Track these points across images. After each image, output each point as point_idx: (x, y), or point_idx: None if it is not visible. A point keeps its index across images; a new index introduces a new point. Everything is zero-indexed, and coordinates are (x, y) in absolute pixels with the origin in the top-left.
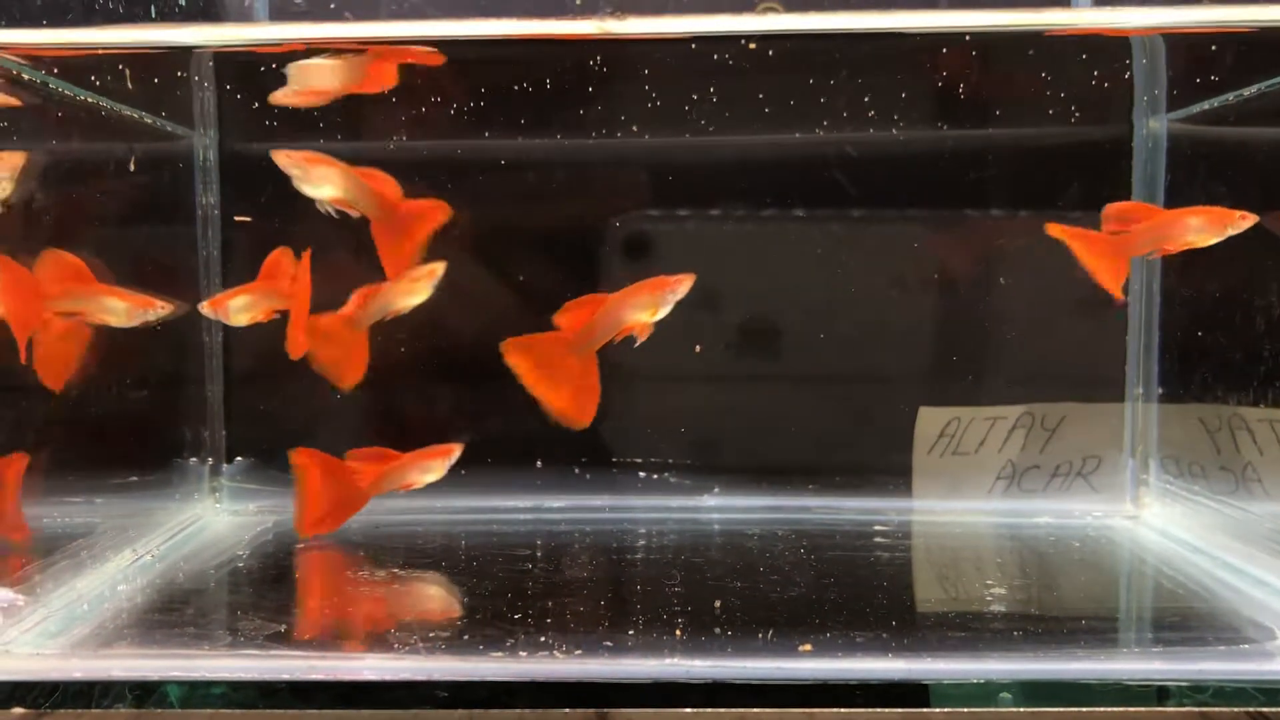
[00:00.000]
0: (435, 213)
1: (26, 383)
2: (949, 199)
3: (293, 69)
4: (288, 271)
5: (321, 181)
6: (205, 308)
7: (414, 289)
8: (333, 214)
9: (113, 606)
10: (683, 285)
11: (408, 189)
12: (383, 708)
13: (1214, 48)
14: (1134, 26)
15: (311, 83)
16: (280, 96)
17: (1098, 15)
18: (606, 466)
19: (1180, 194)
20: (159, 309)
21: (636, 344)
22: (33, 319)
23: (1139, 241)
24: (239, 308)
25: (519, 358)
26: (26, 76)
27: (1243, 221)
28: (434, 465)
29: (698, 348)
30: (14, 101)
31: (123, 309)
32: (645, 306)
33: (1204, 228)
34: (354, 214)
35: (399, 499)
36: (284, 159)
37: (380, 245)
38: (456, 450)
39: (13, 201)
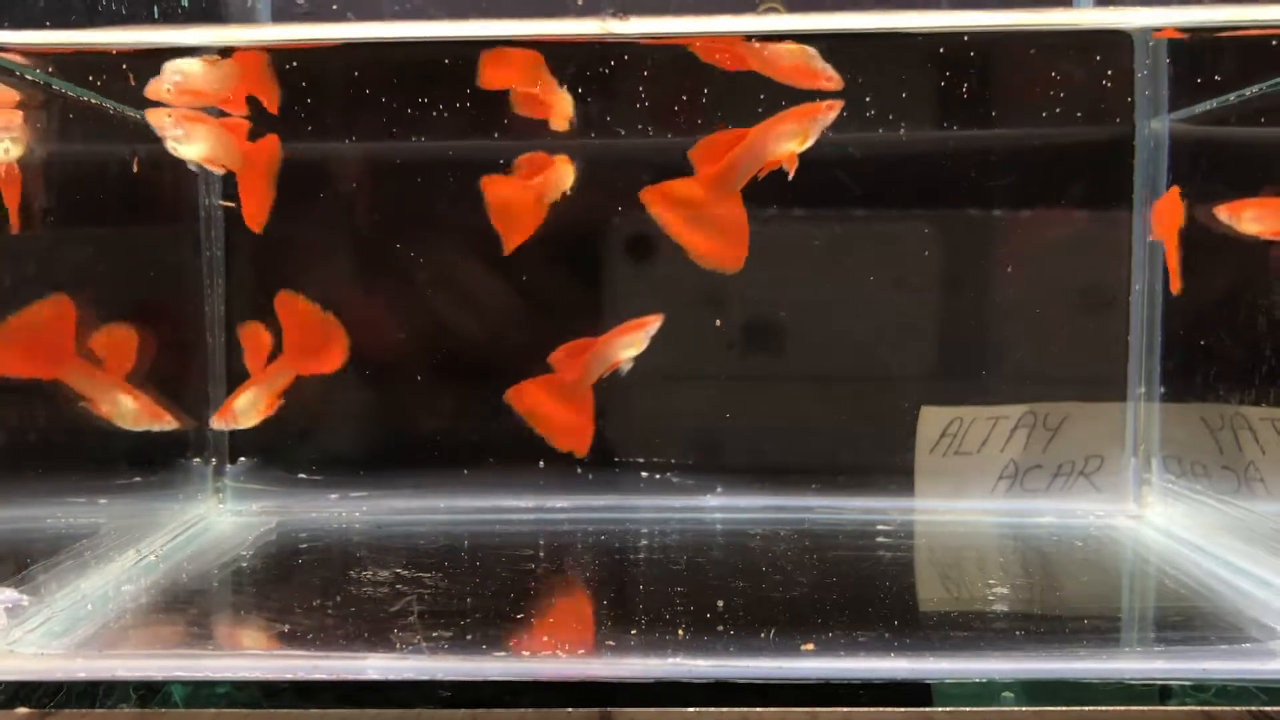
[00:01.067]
0: (269, 145)
1: (30, 384)
2: (951, 199)
3: (169, 67)
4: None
5: (198, 140)
6: (216, 421)
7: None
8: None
9: (116, 606)
10: (833, 110)
11: (411, 190)
12: (386, 707)
13: (1215, 48)
14: (1135, 26)
15: (189, 84)
16: (155, 91)
17: (1099, 14)
18: (609, 466)
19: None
20: (166, 422)
21: (790, 177)
22: (52, 367)
23: None
24: (245, 408)
25: (660, 207)
26: (30, 77)
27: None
28: (634, 340)
29: (718, 322)
30: (16, 99)
31: (131, 412)
32: (792, 136)
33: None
34: (219, 170)
35: (400, 499)
36: (160, 119)
37: (243, 192)
38: (654, 322)
39: (26, 160)
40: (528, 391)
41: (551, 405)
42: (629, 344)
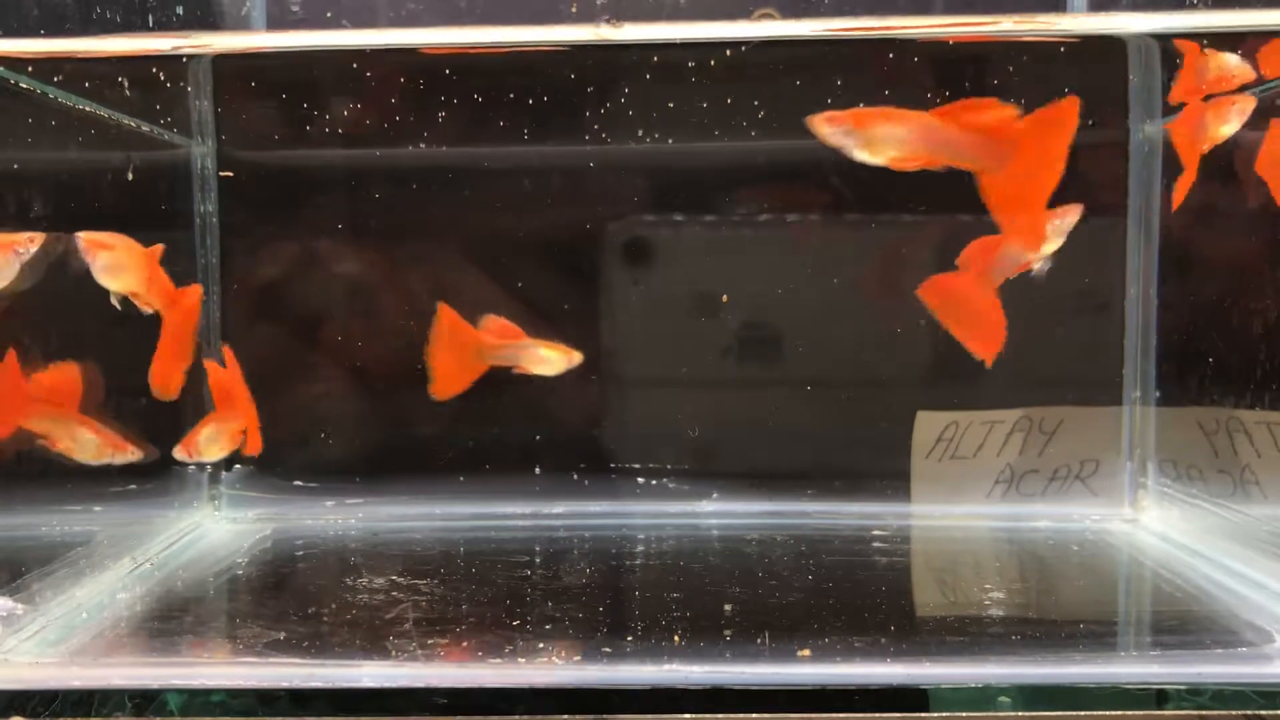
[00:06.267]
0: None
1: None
2: (946, 203)
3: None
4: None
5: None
6: (179, 452)
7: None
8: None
9: (112, 615)
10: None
11: (402, 195)
12: (382, 715)
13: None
14: (1129, 31)
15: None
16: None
17: (1093, 20)
18: (605, 472)
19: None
20: (129, 453)
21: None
22: (12, 419)
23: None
24: (207, 439)
25: None
26: (25, 85)
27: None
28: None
29: (724, 298)
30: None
31: (92, 445)
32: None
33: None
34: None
35: (396, 506)
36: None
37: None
38: (1071, 213)
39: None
40: (938, 285)
41: (960, 301)
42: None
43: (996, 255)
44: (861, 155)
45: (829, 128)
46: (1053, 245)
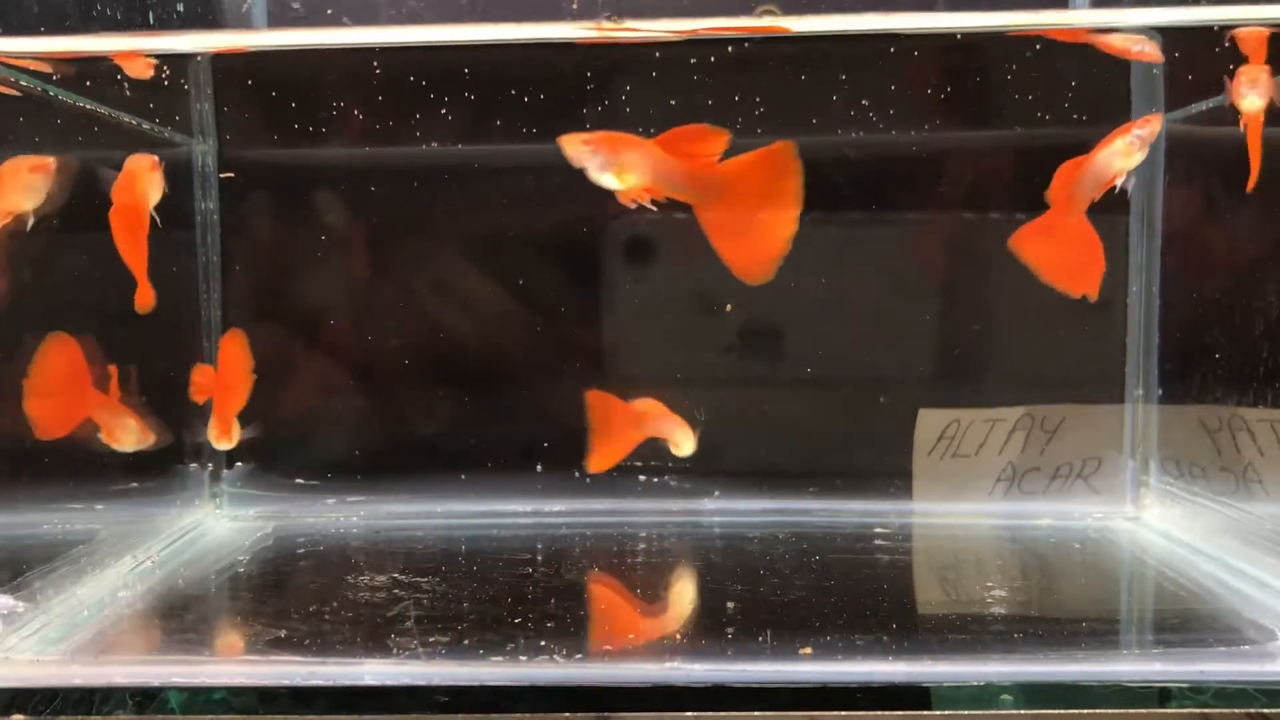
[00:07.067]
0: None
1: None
2: (947, 201)
3: None
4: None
5: None
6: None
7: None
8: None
9: (113, 613)
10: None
11: (407, 195)
12: (383, 713)
13: (1210, 47)
14: (1131, 27)
15: None
16: None
17: (1095, 15)
18: (606, 470)
19: (1178, 192)
20: (152, 439)
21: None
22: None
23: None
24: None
25: None
26: (25, 83)
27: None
28: (1124, 147)
29: (728, 307)
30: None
31: (134, 432)
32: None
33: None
34: None
35: (398, 504)
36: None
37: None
38: (1151, 123)
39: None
40: (1029, 231)
41: (1053, 244)
42: (1120, 153)
43: (1079, 179)
44: (604, 179)
45: (582, 148)
46: (1138, 158)
